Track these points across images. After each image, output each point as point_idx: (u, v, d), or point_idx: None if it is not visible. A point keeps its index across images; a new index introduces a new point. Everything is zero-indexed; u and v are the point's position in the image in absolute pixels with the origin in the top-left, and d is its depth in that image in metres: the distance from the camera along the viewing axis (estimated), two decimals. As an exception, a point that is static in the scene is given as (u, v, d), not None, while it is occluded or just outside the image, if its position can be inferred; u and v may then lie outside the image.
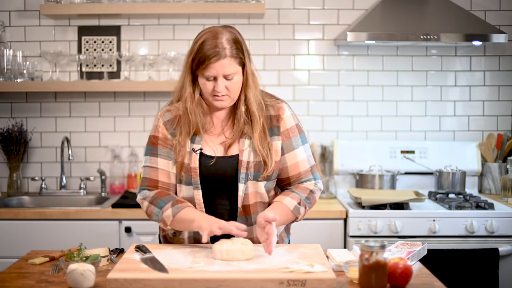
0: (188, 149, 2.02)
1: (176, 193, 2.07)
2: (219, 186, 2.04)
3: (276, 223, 1.88)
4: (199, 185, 2.01)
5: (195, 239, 2.05)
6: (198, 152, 2.02)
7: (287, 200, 2.01)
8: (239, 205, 2.02)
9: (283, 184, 2.11)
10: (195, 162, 2.01)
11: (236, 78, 1.97)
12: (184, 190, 2.04)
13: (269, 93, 2.13)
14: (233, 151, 2.04)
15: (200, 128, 2.03)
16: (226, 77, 1.95)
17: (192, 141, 2.03)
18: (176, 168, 2.03)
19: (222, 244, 1.83)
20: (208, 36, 1.96)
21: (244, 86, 2.01)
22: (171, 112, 2.07)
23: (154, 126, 2.09)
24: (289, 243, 2.22)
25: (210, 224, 1.87)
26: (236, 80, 1.97)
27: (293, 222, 2.09)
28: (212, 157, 2.02)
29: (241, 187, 2.01)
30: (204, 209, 2.02)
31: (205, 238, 1.85)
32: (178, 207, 1.96)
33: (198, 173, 2.01)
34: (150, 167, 2.06)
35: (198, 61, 1.94)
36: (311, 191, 2.07)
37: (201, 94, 2.02)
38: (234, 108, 2.05)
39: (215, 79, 1.95)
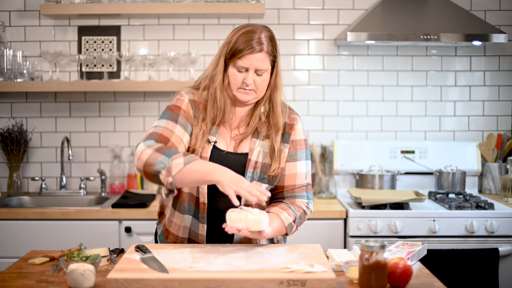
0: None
1: None
2: None
3: (267, 235, 1.90)
4: None
5: (190, 240, 2.06)
6: (213, 143, 2.02)
7: (284, 216, 2.00)
8: (242, 203, 2.02)
9: (275, 191, 2.11)
10: (207, 152, 2.00)
11: (265, 75, 2.00)
12: None
13: (285, 103, 2.14)
14: (243, 149, 2.04)
15: (225, 117, 2.03)
16: (257, 72, 1.98)
17: (208, 131, 2.03)
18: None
19: (237, 213, 1.81)
20: (248, 29, 1.99)
21: (272, 87, 2.04)
22: (195, 95, 2.05)
23: (176, 98, 2.03)
24: (285, 242, 2.23)
25: (234, 183, 1.76)
26: (265, 78, 2.00)
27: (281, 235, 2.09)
28: (223, 151, 2.02)
29: None
30: (207, 201, 2.02)
31: (235, 200, 1.75)
32: (192, 157, 1.82)
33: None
34: (165, 128, 1.95)
35: (234, 51, 1.97)
36: (304, 212, 2.08)
37: (227, 86, 2.03)
38: (256, 106, 2.07)
39: (246, 71, 1.97)
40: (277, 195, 2.11)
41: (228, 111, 2.03)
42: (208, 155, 2.00)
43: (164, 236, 2.14)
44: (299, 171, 2.09)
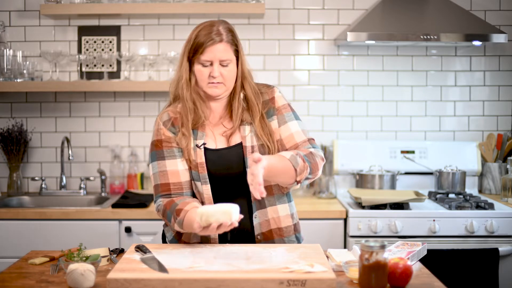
0: (192, 145, 2.04)
1: (192, 189, 2.08)
2: (228, 182, 2.05)
3: (273, 168, 1.86)
4: (207, 180, 2.03)
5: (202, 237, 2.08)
6: (202, 147, 2.04)
7: (284, 152, 1.99)
8: (253, 198, 2.04)
9: None
10: (201, 157, 2.03)
11: (231, 66, 2.02)
12: (196, 186, 2.07)
13: (260, 83, 2.17)
14: (235, 140, 2.06)
15: (200, 117, 2.05)
16: (221, 63, 2.00)
17: (195, 137, 2.05)
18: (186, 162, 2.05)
19: (206, 209, 1.82)
20: (206, 24, 2.03)
21: (240, 77, 2.06)
22: (169, 113, 2.10)
23: (155, 131, 2.10)
24: (300, 242, 2.21)
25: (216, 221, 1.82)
26: (231, 69, 2.02)
27: (293, 183, 1.99)
28: (216, 150, 2.04)
29: None
30: (213, 203, 2.02)
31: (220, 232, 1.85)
32: (180, 221, 1.95)
33: (205, 167, 2.03)
34: (160, 172, 2.05)
35: (196, 46, 2.00)
36: (311, 152, 2.03)
37: (196, 84, 2.05)
38: (231, 99, 2.09)
39: (211, 64, 2.00)
40: None
41: (201, 108, 2.05)
42: (203, 160, 2.03)
43: (176, 240, 2.14)
44: (294, 130, 2.09)
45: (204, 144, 2.05)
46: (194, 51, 2.00)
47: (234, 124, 2.07)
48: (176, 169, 2.04)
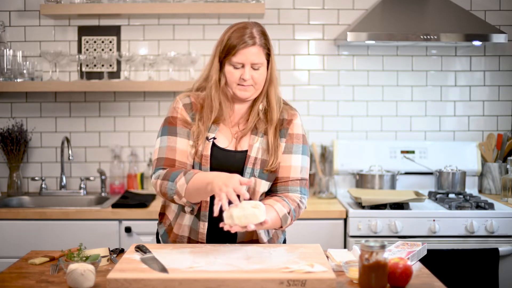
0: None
1: None
2: None
3: (268, 225, 1.88)
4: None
5: (190, 239, 2.07)
6: (211, 140, 2.03)
7: (278, 207, 1.99)
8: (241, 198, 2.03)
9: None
10: (207, 150, 2.02)
11: (262, 70, 2.01)
12: None
13: (285, 100, 2.15)
14: (243, 146, 2.06)
15: (221, 116, 2.04)
16: (253, 66, 1.99)
17: (208, 129, 2.04)
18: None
19: (232, 210, 1.79)
20: (239, 26, 2.02)
21: (267, 82, 2.05)
22: (190, 97, 2.08)
23: (171, 108, 2.08)
24: (284, 242, 2.23)
25: (225, 184, 1.78)
26: (262, 72, 2.01)
27: (275, 229, 2.08)
28: (223, 149, 2.04)
29: None
30: (209, 199, 2.02)
31: (216, 210, 1.78)
32: (191, 173, 1.90)
33: (209, 161, 2.01)
34: (168, 146, 2.01)
35: (228, 48, 1.99)
36: (298, 205, 2.06)
37: (226, 85, 2.04)
38: (254, 103, 2.08)
39: (242, 67, 1.99)
40: (271, 188, 2.10)
41: (225, 109, 2.04)
42: (209, 153, 2.02)
43: (167, 235, 2.14)
44: (294, 164, 2.08)
45: (214, 138, 2.04)
46: (226, 53, 1.99)
47: (246, 128, 2.06)
48: (186, 149, 2.02)
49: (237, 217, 1.79)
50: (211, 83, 2.03)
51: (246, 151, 2.05)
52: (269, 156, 2.04)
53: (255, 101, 2.08)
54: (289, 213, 2.01)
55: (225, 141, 2.06)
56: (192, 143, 2.03)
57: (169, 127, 2.05)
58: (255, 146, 2.05)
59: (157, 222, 2.24)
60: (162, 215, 2.19)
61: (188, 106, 2.06)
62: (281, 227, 2.02)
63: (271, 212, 1.96)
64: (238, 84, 2.01)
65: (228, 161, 2.04)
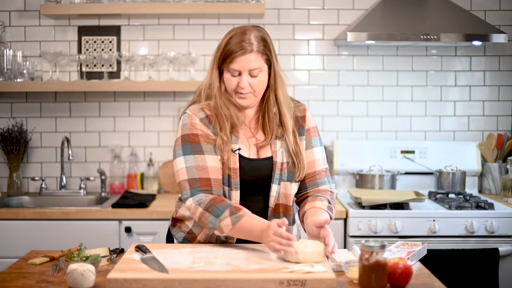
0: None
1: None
2: (252, 187, 2.03)
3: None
4: (238, 186, 2.00)
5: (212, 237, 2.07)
6: (237, 152, 2.00)
7: (319, 204, 2.01)
8: (271, 205, 2.03)
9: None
10: (235, 163, 1.99)
11: (261, 76, 1.98)
12: (223, 190, 2.01)
13: (290, 96, 2.14)
14: (266, 153, 2.04)
15: (236, 121, 2.00)
16: (251, 73, 1.96)
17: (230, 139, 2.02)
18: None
19: (296, 246, 1.78)
20: (237, 32, 1.97)
21: (272, 87, 2.03)
22: (205, 110, 2.03)
23: (188, 124, 2.00)
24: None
25: (279, 242, 1.77)
26: (261, 79, 1.98)
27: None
28: (248, 159, 2.02)
29: (275, 187, 2.02)
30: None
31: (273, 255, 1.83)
32: (238, 217, 1.88)
33: (238, 174, 1.99)
34: (197, 166, 1.95)
35: (225, 55, 1.95)
36: (331, 193, 2.10)
37: (226, 92, 2.02)
38: (266, 109, 2.05)
39: (239, 74, 1.96)
40: (300, 186, 2.10)
41: (235, 114, 2.01)
42: (237, 165, 1.99)
43: (188, 241, 2.11)
44: (316, 157, 2.10)
45: (239, 149, 2.01)
46: (223, 60, 1.96)
47: (267, 138, 2.04)
48: (217, 166, 1.97)
49: (302, 253, 1.77)
50: (215, 91, 2.01)
51: (270, 157, 2.04)
52: (295, 164, 2.04)
53: (265, 110, 2.05)
54: (330, 202, 2.04)
55: (245, 149, 2.03)
56: (219, 156, 1.99)
57: (192, 145, 1.97)
58: (279, 152, 2.04)
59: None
60: (179, 220, 2.16)
61: (205, 120, 2.00)
62: (331, 217, 2.02)
63: (317, 213, 1.97)
64: (237, 93, 1.99)
65: (255, 171, 2.01)
